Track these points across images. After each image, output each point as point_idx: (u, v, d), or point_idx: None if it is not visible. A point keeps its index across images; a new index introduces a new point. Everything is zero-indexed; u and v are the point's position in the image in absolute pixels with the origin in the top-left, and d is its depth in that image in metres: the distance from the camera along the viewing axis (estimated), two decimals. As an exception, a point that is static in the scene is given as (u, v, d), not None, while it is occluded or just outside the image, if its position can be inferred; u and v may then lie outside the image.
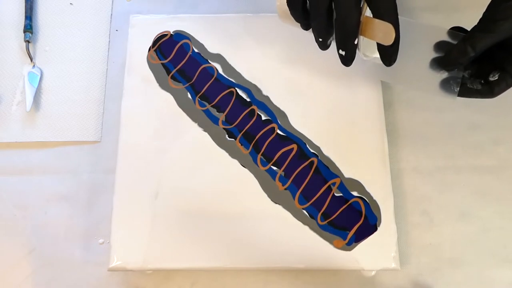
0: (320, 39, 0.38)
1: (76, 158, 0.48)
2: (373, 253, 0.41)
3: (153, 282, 0.43)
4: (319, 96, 0.46)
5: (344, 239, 0.41)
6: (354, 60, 0.37)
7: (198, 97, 0.46)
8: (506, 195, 0.45)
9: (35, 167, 0.47)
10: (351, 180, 0.43)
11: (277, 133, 0.45)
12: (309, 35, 0.39)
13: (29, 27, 0.51)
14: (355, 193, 0.42)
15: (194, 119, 0.45)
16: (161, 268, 0.41)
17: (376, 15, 0.34)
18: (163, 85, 0.47)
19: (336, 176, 0.43)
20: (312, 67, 0.47)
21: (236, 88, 0.46)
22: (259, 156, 0.44)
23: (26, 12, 0.52)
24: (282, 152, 0.44)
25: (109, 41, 0.52)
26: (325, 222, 0.42)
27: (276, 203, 0.42)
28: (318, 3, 0.34)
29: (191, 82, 0.47)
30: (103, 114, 0.49)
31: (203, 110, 0.46)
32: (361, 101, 0.46)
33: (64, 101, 0.50)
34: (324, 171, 0.43)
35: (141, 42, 0.48)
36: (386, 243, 0.41)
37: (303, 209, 0.42)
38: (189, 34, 0.49)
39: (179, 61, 0.48)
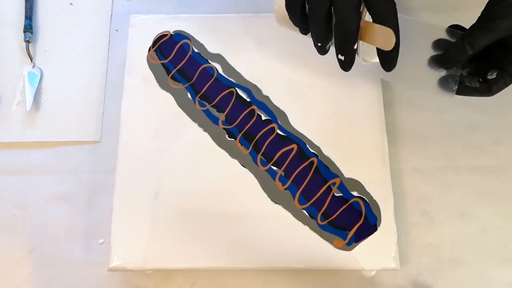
0: (319, 44, 0.37)
1: (76, 158, 0.48)
2: (373, 253, 0.41)
3: (153, 282, 0.43)
4: (319, 96, 0.46)
5: (344, 239, 0.41)
6: (355, 62, 0.37)
7: (198, 97, 0.46)
8: (506, 195, 0.45)
9: (35, 167, 0.47)
10: (351, 180, 0.43)
11: (277, 133, 0.45)
12: (308, 38, 0.38)
13: (29, 27, 0.51)
14: (355, 193, 0.42)
15: (194, 119, 0.45)
16: (161, 268, 0.41)
17: (376, 19, 0.34)
18: (163, 85, 0.47)
19: (336, 176, 0.43)
20: (312, 67, 0.47)
21: (236, 88, 0.46)
22: (259, 156, 0.44)
23: (26, 12, 0.52)
24: (282, 152, 0.44)
25: (109, 41, 0.52)
26: (325, 222, 0.42)
27: (276, 203, 0.42)
28: (317, 7, 0.34)
29: (191, 82, 0.47)
30: (103, 114, 0.49)
31: (203, 110, 0.46)
32: (361, 101, 0.46)
33: (64, 101, 0.50)
34: (324, 171, 0.43)
35: (141, 42, 0.48)
36: (386, 243, 0.41)
37: (303, 209, 0.42)
38: (189, 34, 0.49)
39: (179, 61, 0.48)
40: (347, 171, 0.43)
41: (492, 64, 0.36)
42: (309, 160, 0.44)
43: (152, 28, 0.49)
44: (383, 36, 0.33)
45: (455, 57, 0.35)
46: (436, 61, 0.37)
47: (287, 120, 0.45)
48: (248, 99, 0.46)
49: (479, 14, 0.35)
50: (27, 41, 0.51)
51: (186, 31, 0.49)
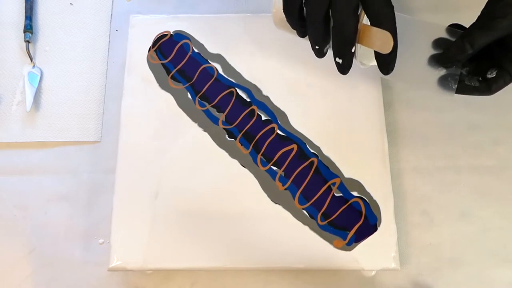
0: (317, 47, 0.37)
1: (76, 158, 0.48)
2: (373, 253, 0.41)
3: (153, 282, 0.43)
4: (319, 96, 0.46)
5: (344, 239, 0.41)
6: (355, 62, 0.37)
7: (198, 97, 0.46)
8: (506, 195, 0.45)
9: (35, 167, 0.47)
10: (351, 180, 0.43)
11: (277, 133, 0.45)
12: (308, 40, 0.38)
13: (29, 27, 0.51)
14: (355, 193, 0.42)
15: (194, 119, 0.45)
16: (161, 268, 0.41)
17: (374, 23, 0.34)
18: (163, 85, 0.47)
19: (336, 176, 0.43)
20: (312, 67, 0.47)
21: (236, 88, 0.46)
22: (259, 156, 0.44)
23: (26, 12, 0.52)
24: (282, 152, 0.44)
25: (109, 41, 0.52)
26: (325, 222, 0.42)
27: (276, 203, 0.42)
28: (315, 10, 0.34)
29: (191, 82, 0.47)
30: (103, 114, 0.49)
31: (203, 110, 0.46)
32: (361, 101, 0.46)
33: (64, 101, 0.50)
34: (324, 171, 0.43)
35: (141, 42, 0.48)
36: (386, 243, 0.41)
37: (303, 209, 0.42)
38: (189, 34, 0.49)
39: (179, 61, 0.48)
40: (347, 171, 0.43)
41: (491, 63, 0.36)
42: (309, 160, 0.44)
43: (152, 28, 0.49)
44: (381, 40, 0.33)
45: (455, 56, 0.35)
46: (436, 60, 0.37)
47: (287, 120, 0.45)
48: (248, 99, 0.46)
49: (479, 14, 0.35)
50: (27, 41, 0.51)
51: (186, 31, 0.49)
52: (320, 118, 0.45)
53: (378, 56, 0.35)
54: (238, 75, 0.47)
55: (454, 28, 0.37)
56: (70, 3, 0.53)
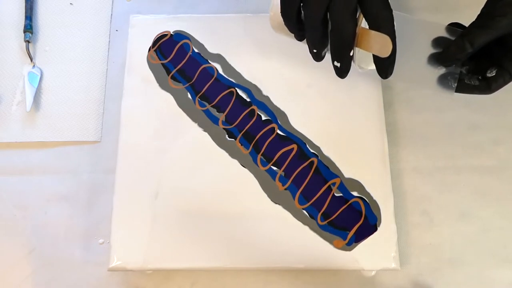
0: (315, 50, 0.37)
1: (76, 158, 0.48)
2: (373, 253, 0.41)
3: (153, 282, 0.43)
4: (319, 96, 0.46)
5: (344, 239, 0.41)
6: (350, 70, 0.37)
7: (198, 97, 0.46)
8: (506, 195, 0.45)
9: (35, 167, 0.47)
10: (351, 180, 0.43)
11: (277, 133, 0.45)
12: (305, 44, 0.38)
13: (29, 27, 0.51)
14: (355, 193, 0.42)
15: (194, 119, 0.45)
16: (161, 268, 0.41)
17: (373, 26, 0.34)
18: (163, 85, 0.47)
19: (336, 176, 0.43)
20: (312, 67, 0.47)
21: (236, 88, 0.46)
22: (259, 156, 0.44)
23: (26, 12, 0.52)
24: (282, 152, 0.44)
25: (109, 41, 0.52)
26: (325, 222, 0.42)
27: (276, 203, 0.42)
28: (313, 14, 0.34)
29: (191, 82, 0.47)
30: (103, 114, 0.49)
31: (203, 110, 0.46)
32: (361, 101, 0.46)
33: (64, 101, 0.50)
34: (324, 171, 0.43)
35: (141, 42, 0.48)
36: (386, 243, 0.41)
37: (303, 209, 0.42)
38: (189, 34, 0.49)
39: (179, 61, 0.48)
40: (347, 171, 0.43)
41: (491, 62, 0.36)
42: (309, 160, 0.44)
43: (152, 28, 0.49)
44: (380, 43, 0.33)
45: (455, 54, 0.35)
46: (435, 59, 0.37)
47: (287, 120, 0.45)
48: (248, 99, 0.46)
49: (478, 13, 0.35)
50: (27, 41, 0.51)
51: (186, 31, 0.49)
52: (320, 118, 0.45)
53: (376, 59, 0.35)
54: (238, 75, 0.47)
55: (453, 27, 0.37)
56: (70, 3, 0.53)
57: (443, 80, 0.37)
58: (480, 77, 0.37)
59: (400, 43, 0.35)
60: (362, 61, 0.38)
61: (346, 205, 0.42)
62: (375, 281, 0.43)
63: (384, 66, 0.35)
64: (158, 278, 0.44)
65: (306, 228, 0.42)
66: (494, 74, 0.36)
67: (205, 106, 0.46)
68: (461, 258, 0.44)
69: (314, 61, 0.47)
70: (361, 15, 0.34)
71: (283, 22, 0.37)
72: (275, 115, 0.45)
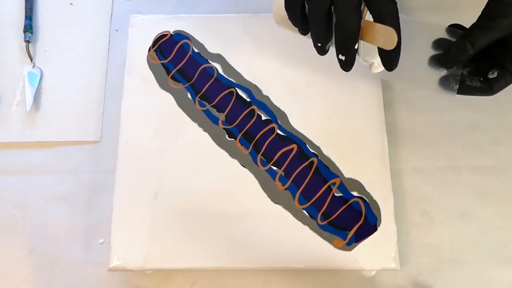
0: (319, 44, 0.37)
1: (76, 158, 0.48)
2: (373, 253, 0.41)
3: (153, 282, 0.43)
4: (319, 96, 0.46)
5: (344, 239, 0.41)
6: (355, 62, 0.37)
7: (198, 97, 0.46)
8: (506, 195, 0.45)
9: (35, 167, 0.47)
10: (351, 180, 0.43)
11: (277, 133, 0.45)
12: (309, 38, 0.38)
13: (29, 27, 0.51)
14: (355, 193, 0.42)
15: (194, 119, 0.45)
16: (161, 268, 0.41)
17: (377, 19, 0.33)
18: (163, 85, 0.47)
19: (336, 176, 0.43)
20: (312, 67, 0.47)
21: (236, 88, 0.46)
22: (259, 156, 0.44)
23: (26, 12, 0.52)
24: (282, 152, 0.44)
25: (109, 41, 0.52)
26: (325, 222, 0.42)
27: (276, 203, 0.42)
28: (317, 7, 0.34)
29: (191, 82, 0.47)
30: (103, 114, 0.49)
31: (203, 110, 0.46)
32: (361, 101, 0.46)
33: (64, 101, 0.50)
34: (324, 171, 0.43)
35: (141, 42, 0.48)
36: (386, 243, 0.41)
37: (303, 209, 0.42)
38: (189, 34, 0.49)
39: (179, 61, 0.48)
40: (347, 171, 0.43)
41: (492, 63, 0.36)
42: (309, 160, 0.44)
43: (152, 28, 0.49)
44: (385, 36, 0.33)
45: (456, 56, 0.35)
46: (436, 61, 0.37)
47: (287, 120, 0.45)
48: (248, 99, 0.46)
49: (479, 14, 0.35)
50: (27, 41, 0.51)
51: (186, 31, 0.49)
52: (320, 118, 0.45)
53: (382, 52, 0.35)
54: (238, 75, 0.47)
55: (454, 28, 0.37)
56: (70, 3, 0.53)
57: (444, 82, 0.37)
58: (481, 79, 0.37)
59: (401, 45, 0.35)
60: (367, 54, 0.38)
61: (346, 205, 0.42)
62: (375, 281, 0.43)
63: (390, 58, 0.35)
64: (158, 278, 0.44)
65: (306, 228, 0.42)
66: (495, 75, 0.36)
67: (205, 106, 0.46)
68: (461, 258, 0.44)
69: (314, 61, 0.47)
70: (366, 8, 0.34)
71: (286, 16, 0.37)
72: (275, 115, 0.45)
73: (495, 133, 0.47)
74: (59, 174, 0.47)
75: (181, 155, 0.44)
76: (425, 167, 0.46)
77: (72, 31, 0.52)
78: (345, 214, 0.42)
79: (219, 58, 0.48)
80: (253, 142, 0.44)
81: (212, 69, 0.47)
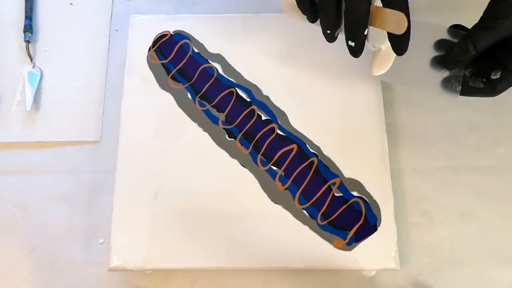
0: (328, 31, 0.37)
1: (76, 158, 0.48)
2: (373, 253, 0.41)
3: (153, 282, 0.43)
4: (319, 96, 0.46)
5: (344, 239, 0.41)
6: (355, 62, 0.37)
7: (198, 97, 0.46)
8: (506, 195, 0.45)
9: (35, 167, 0.47)
10: (351, 180, 0.43)
11: (277, 133, 0.45)
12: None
13: (29, 27, 0.51)
14: (355, 193, 0.42)
15: (194, 119, 0.45)
16: (161, 268, 0.41)
17: (387, 4, 0.33)
18: (163, 85, 0.47)
19: (336, 176, 0.43)
20: (312, 67, 0.47)
21: (236, 88, 0.46)
22: (259, 156, 0.44)
23: (26, 12, 0.52)
24: (282, 152, 0.44)
25: (109, 41, 0.52)
26: (325, 222, 0.42)
27: (276, 203, 0.42)
28: None
29: (191, 82, 0.47)
30: (103, 114, 0.49)
31: (203, 110, 0.46)
32: (361, 101, 0.46)
33: (64, 101, 0.50)
34: (324, 171, 0.43)
35: (141, 42, 0.48)
36: (386, 243, 0.41)
37: (303, 209, 0.42)
38: (189, 34, 0.49)
39: (179, 61, 0.48)
40: (347, 171, 0.43)
41: (495, 64, 0.36)
42: (309, 160, 0.44)
43: (152, 28, 0.49)
44: (395, 21, 0.33)
45: (458, 57, 0.35)
46: (438, 62, 0.37)
47: (287, 120, 0.45)
48: (248, 99, 0.46)
49: (479, 14, 0.35)
50: (27, 41, 0.51)
51: (186, 31, 0.49)
52: (320, 118, 0.45)
53: (391, 37, 0.35)
54: (238, 75, 0.47)
55: (455, 29, 0.37)
56: (70, 3, 0.53)
57: (447, 84, 0.37)
58: (484, 80, 0.37)
59: None
60: (376, 39, 0.38)
61: (346, 205, 0.42)
62: (375, 281, 0.43)
63: (399, 43, 0.35)
64: (158, 278, 0.43)
65: (306, 228, 0.41)
66: (498, 76, 0.36)
67: (205, 106, 0.46)
68: (461, 258, 0.44)
69: (314, 61, 0.47)
70: None
71: (295, 4, 0.37)
72: (275, 115, 0.45)
73: (495, 133, 0.47)
74: (59, 174, 0.47)
75: (181, 155, 0.44)
76: (425, 167, 0.46)
77: (72, 31, 0.52)
78: (345, 214, 0.42)
79: (219, 58, 0.48)
80: (253, 142, 0.44)
81: (212, 69, 0.47)
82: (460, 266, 0.43)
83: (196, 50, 0.48)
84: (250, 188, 0.43)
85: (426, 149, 0.47)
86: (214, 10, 0.52)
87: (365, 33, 0.35)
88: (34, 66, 0.51)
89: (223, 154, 0.44)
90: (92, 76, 0.50)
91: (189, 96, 0.46)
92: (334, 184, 0.43)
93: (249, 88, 0.46)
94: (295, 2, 0.37)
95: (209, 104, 0.46)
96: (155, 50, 0.48)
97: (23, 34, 0.51)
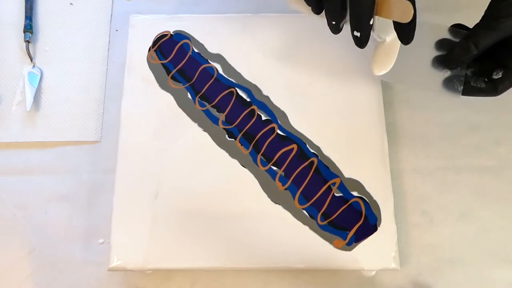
0: (333, 22, 0.36)
1: (76, 158, 0.48)
2: (373, 253, 0.41)
3: (153, 282, 0.43)
4: (319, 96, 0.46)
5: (344, 239, 0.41)
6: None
7: (198, 97, 0.46)
8: (506, 195, 0.45)
9: (35, 167, 0.47)
10: (351, 180, 0.43)
11: (277, 133, 0.45)
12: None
13: (29, 27, 0.51)
14: (355, 193, 0.42)
15: (194, 119, 0.45)
16: (161, 268, 0.41)
17: None
18: (163, 85, 0.47)
19: (336, 176, 0.43)
20: (312, 67, 0.47)
21: (236, 88, 0.46)
22: (259, 156, 0.44)
23: (26, 12, 0.52)
24: (282, 152, 0.44)
25: (109, 41, 0.52)
26: (325, 222, 0.42)
27: (276, 203, 0.42)
28: None
29: (191, 82, 0.47)
30: (103, 114, 0.49)
31: (203, 110, 0.46)
32: (361, 101, 0.46)
33: (64, 101, 0.50)
34: (324, 171, 0.43)
35: (141, 42, 0.48)
36: (386, 243, 0.41)
37: (303, 209, 0.42)
38: (189, 34, 0.49)
39: (179, 61, 0.48)
40: (347, 171, 0.43)
41: (496, 64, 0.36)
42: (309, 160, 0.44)
43: (152, 28, 0.49)
44: (400, 9, 0.33)
45: (460, 56, 0.35)
46: (440, 62, 0.37)
47: (287, 120, 0.45)
48: (248, 99, 0.46)
49: (479, 14, 0.35)
50: (27, 41, 0.51)
51: (186, 31, 0.49)
52: (320, 118, 0.45)
53: (397, 26, 0.34)
54: (238, 75, 0.47)
55: (456, 28, 0.37)
56: (70, 3, 0.53)
57: (448, 83, 0.37)
58: (486, 79, 0.37)
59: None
60: (381, 30, 0.38)
61: (346, 205, 0.42)
62: (375, 281, 0.43)
63: (406, 32, 0.34)
64: (158, 278, 0.44)
65: (306, 228, 0.41)
66: (500, 75, 0.36)
67: (205, 106, 0.46)
68: (461, 258, 0.44)
69: (314, 61, 0.47)
70: None
71: None
72: (275, 115, 0.45)
73: (495, 133, 0.47)
74: (59, 174, 0.47)
75: (181, 155, 0.44)
76: (425, 167, 0.46)
77: (72, 31, 0.52)
78: (345, 214, 0.42)
79: (219, 58, 0.48)
80: (253, 142, 0.44)
81: (212, 69, 0.47)
82: (460, 266, 0.43)
83: (196, 50, 0.48)
84: (250, 188, 0.43)
85: (426, 149, 0.47)
86: (214, 10, 0.52)
87: (371, 23, 0.34)
88: (34, 66, 0.51)
89: (223, 154, 0.44)
90: (92, 76, 0.50)
91: (189, 96, 0.46)
92: (334, 184, 0.43)
93: (249, 88, 0.46)
94: None
95: (209, 104, 0.46)
96: (155, 50, 0.48)
97: (23, 34, 0.51)
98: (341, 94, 0.46)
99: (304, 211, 0.42)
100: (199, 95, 0.46)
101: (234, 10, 0.52)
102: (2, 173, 0.47)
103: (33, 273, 0.44)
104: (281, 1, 0.51)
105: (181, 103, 0.46)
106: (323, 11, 0.37)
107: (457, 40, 0.36)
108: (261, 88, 0.46)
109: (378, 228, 0.41)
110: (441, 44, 0.37)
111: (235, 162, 0.44)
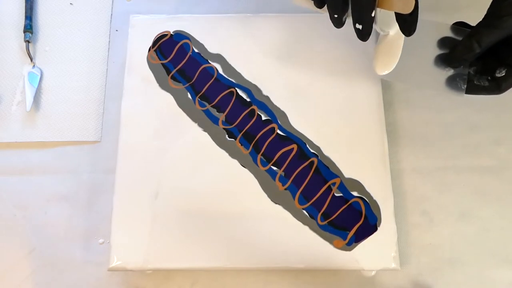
0: (336, 15, 0.36)
1: (76, 158, 0.48)
2: (373, 253, 0.41)
3: (153, 282, 0.43)
4: (319, 96, 0.46)
5: (344, 239, 0.41)
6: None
7: (198, 97, 0.46)
8: (506, 195, 0.45)
9: (35, 167, 0.47)
10: (351, 180, 0.43)
11: (277, 133, 0.45)
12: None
13: (29, 27, 0.51)
14: (355, 193, 0.42)
15: (194, 119, 0.45)
16: (161, 268, 0.41)
17: None
18: (163, 85, 0.47)
19: (336, 176, 0.43)
20: (312, 67, 0.47)
21: (236, 88, 0.46)
22: (259, 156, 0.44)
23: (26, 12, 0.52)
24: (282, 152, 0.44)
25: (109, 41, 0.52)
26: (325, 222, 0.42)
27: (276, 203, 0.42)
28: None
29: (191, 82, 0.47)
30: (103, 114, 0.49)
31: (203, 110, 0.46)
32: (361, 101, 0.46)
33: (64, 101, 0.50)
34: (324, 171, 0.43)
35: (141, 42, 0.48)
36: (386, 243, 0.41)
37: (303, 209, 0.42)
38: (189, 34, 0.49)
39: (179, 61, 0.48)
40: (347, 171, 0.43)
41: (499, 62, 0.36)
42: (309, 160, 0.44)
43: (152, 28, 0.49)
44: (401, 0, 0.33)
45: (462, 55, 0.35)
46: (442, 60, 0.37)
47: (287, 120, 0.45)
48: (248, 99, 0.46)
49: (480, 14, 0.35)
50: (27, 41, 0.51)
51: (186, 31, 0.49)
52: (320, 118, 0.45)
53: (399, 18, 0.34)
54: (238, 75, 0.47)
55: (459, 26, 0.37)
56: (70, 3, 0.53)
57: (451, 82, 0.37)
58: (489, 78, 0.37)
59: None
60: (383, 22, 0.38)
61: (346, 205, 0.42)
62: (375, 281, 0.43)
63: (407, 24, 0.35)
64: (158, 278, 0.44)
65: (306, 228, 0.41)
66: (503, 74, 0.36)
67: (205, 106, 0.46)
68: (461, 258, 0.44)
69: (314, 61, 0.47)
70: None
71: None
72: (275, 115, 0.45)
73: (495, 133, 0.47)
74: (59, 174, 0.47)
75: (181, 155, 0.44)
76: (425, 167, 0.46)
77: (72, 31, 0.52)
78: (345, 214, 0.42)
79: (219, 58, 0.48)
80: (253, 142, 0.44)
81: (212, 69, 0.47)
82: (460, 266, 0.43)
83: (196, 50, 0.48)
84: (250, 188, 0.43)
85: (426, 149, 0.47)
86: (214, 10, 0.52)
87: (373, 15, 0.34)
88: (34, 66, 0.51)
89: (223, 154, 0.44)
90: (92, 76, 0.50)
91: (189, 96, 0.46)
92: (334, 184, 0.43)
93: (249, 88, 0.46)
94: None
95: (209, 104, 0.46)
96: (155, 50, 0.48)
97: (23, 34, 0.51)
98: (341, 94, 0.46)
99: (304, 211, 0.42)
100: (199, 95, 0.46)
101: (234, 10, 0.52)
102: (2, 173, 0.47)
103: (33, 273, 0.44)
104: (281, 1, 0.52)
105: (181, 103, 0.46)
106: (325, 5, 0.37)
107: (459, 38, 0.36)
108: (261, 88, 0.46)
109: (378, 228, 0.41)
110: (443, 42, 0.37)
111: (235, 162, 0.44)
